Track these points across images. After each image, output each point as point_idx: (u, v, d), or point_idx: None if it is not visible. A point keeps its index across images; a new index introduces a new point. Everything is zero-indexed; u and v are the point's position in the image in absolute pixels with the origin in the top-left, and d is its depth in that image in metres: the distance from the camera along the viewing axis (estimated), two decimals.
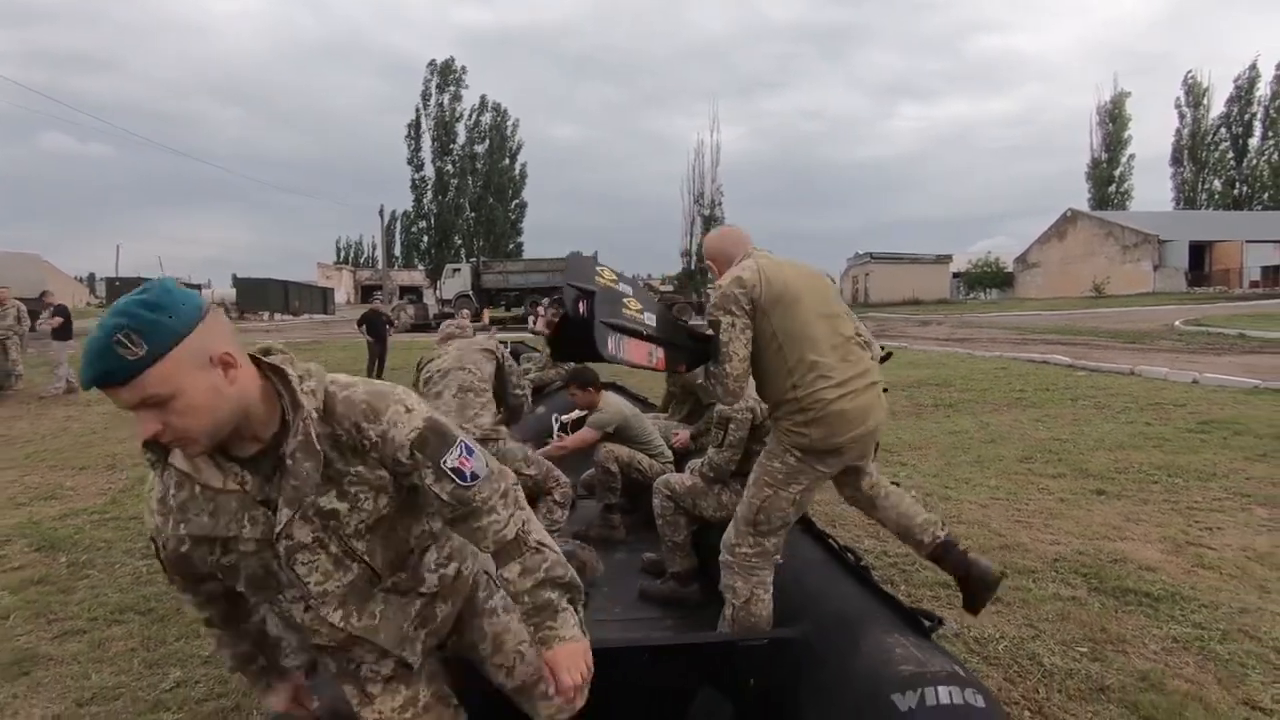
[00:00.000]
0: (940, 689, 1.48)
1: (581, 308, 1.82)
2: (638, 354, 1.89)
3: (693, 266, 39.40)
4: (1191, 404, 7.39)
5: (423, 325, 27.18)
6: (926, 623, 1.86)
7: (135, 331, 0.95)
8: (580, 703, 1.31)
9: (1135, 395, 8.07)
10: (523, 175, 47.04)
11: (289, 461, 1.10)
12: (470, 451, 1.20)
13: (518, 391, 3.43)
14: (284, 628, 1.38)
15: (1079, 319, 22.00)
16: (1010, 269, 45.88)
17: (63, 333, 10.26)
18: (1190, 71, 50.31)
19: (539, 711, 1.43)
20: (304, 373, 1.16)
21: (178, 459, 1.12)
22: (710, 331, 1.99)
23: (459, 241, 43.50)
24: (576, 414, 4.21)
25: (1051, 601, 2.95)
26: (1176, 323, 18.14)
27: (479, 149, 44.60)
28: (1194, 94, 48.83)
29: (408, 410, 1.17)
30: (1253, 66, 47.05)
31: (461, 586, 1.38)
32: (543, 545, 1.25)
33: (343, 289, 57.57)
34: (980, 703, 1.49)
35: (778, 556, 2.10)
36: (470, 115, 44.21)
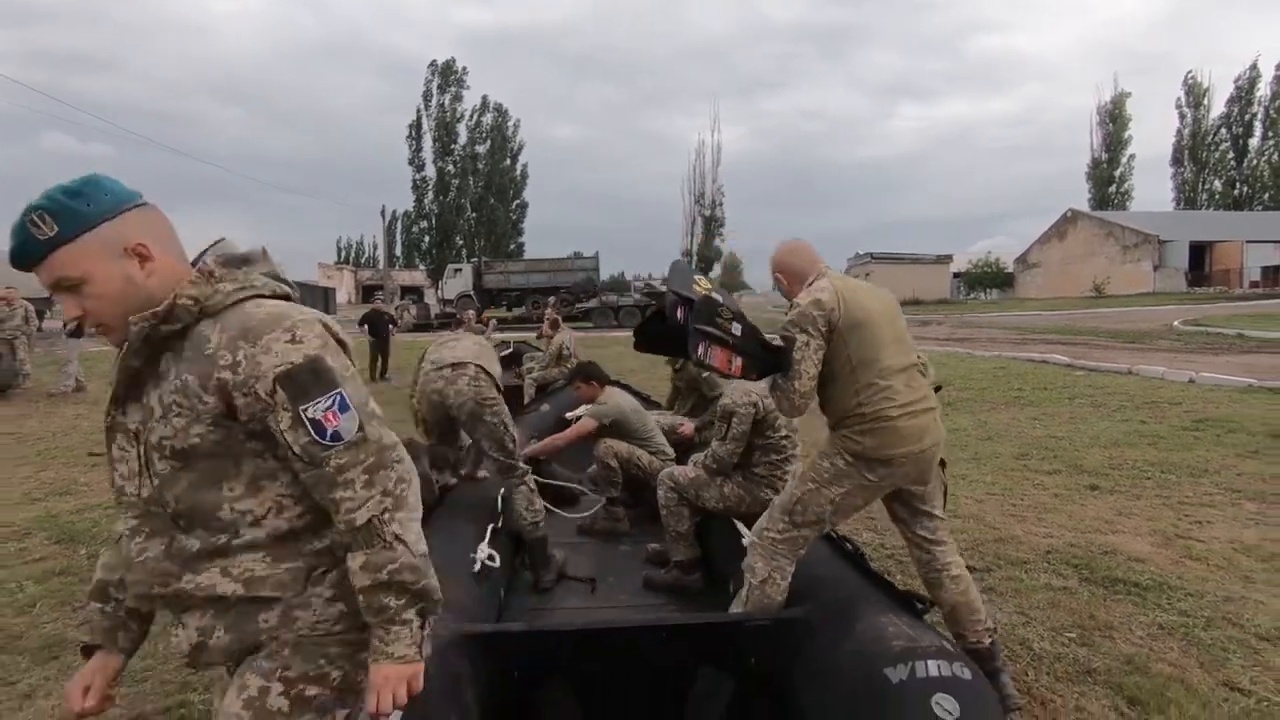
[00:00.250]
0: (930, 662, 1.58)
1: (680, 314, 1.95)
2: (721, 360, 1.98)
3: (693, 267, 39.44)
4: (1187, 402, 7.49)
5: (424, 325, 27.27)
6: (919, 605, 1.96)
7: (49, 213, 0.98)
8: None
9: (1132, 394, 8.17)
10: (524, 175, 47.17)
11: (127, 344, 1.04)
12: (346, 408, 1.03)
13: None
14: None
15: (1079, 319, 22.09)
16: (1010, 269, 45.96)
17: (75, 330, 10.33)
18: (1190, 71, 50.45)
19: None
20: (235, 279, 1.07)
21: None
22: (780, 344, 2.09)
23: (460, 242, 43.60)
24: (583, 409, 4.31)
25: (1043, 591, 3.04)
26: (1176, 323, 18.23)
27: (480, 149, 44.72)
28: (1194, 94, 48.91)
29: (293, 341, 1.02)
30: (1253, 67, 47.19)
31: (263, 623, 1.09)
32: (399, 541, 1.05)
33: (344, 289, 57.66)
34: (966, 675, 1.59)
35: (801, 551, 2.15)
36: (471, 116, 44.35)
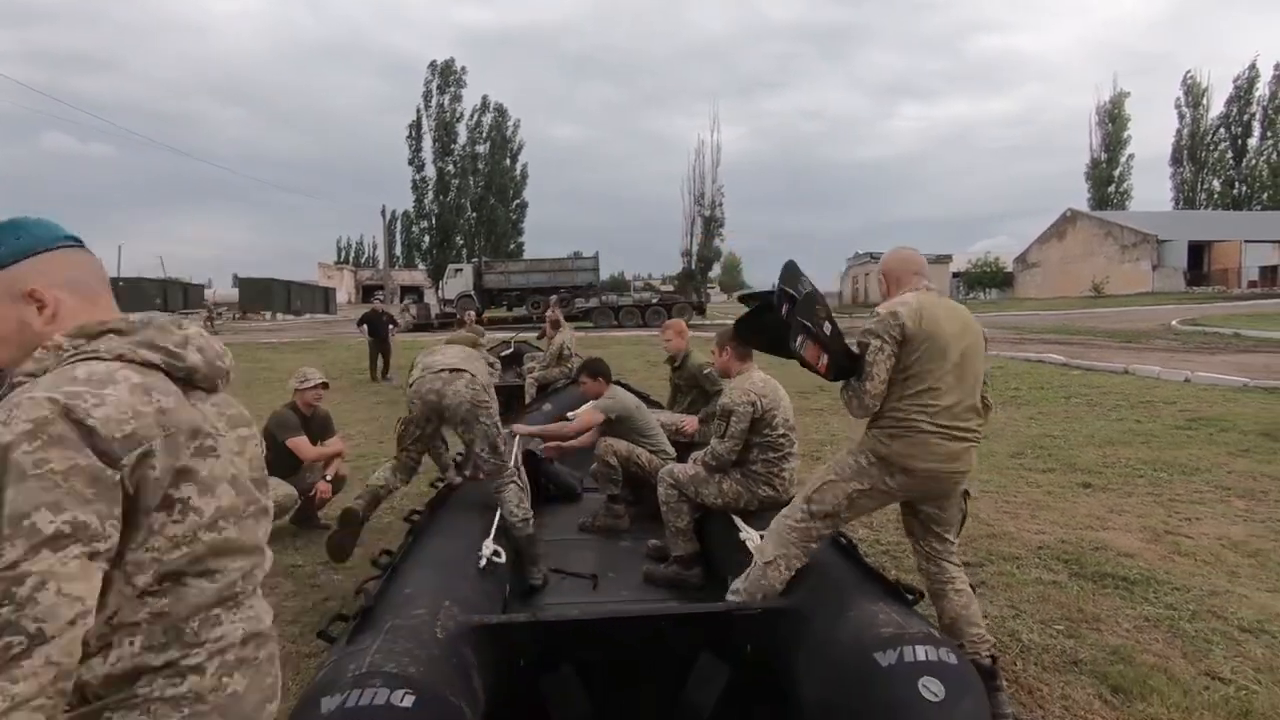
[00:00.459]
0: (917, 648, 1.66)
1: (784, 308, 2.10)
2: (812, 353, 2.11)
3: (692, 266, 39.50)
4: (1181, 402, 7.57)
5: (424, 325, 27.34)
6: (909, 595, 2.04)
7: None
8: None
9: (1127, 393, 8.25)
10: (524, 175, 47.18)
11: None
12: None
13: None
14: None
15: (1077, 319, 22.16)
16: (1010, 269, 46.03)
17: None
18: (1189, 71, 50.49)
19: None
20: (89, 348, 0.94)
21: None
22: (857, 350, 2.18)
23: (460, 242, 43.61)
24: (590, 404, 4.38)
25: (1033, 585, 3.12)
26: (1173, 322, 18.32)
27: (480, 149, 44.76)
28: (1193, 94, 48.97)
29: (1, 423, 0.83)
30: (1252, 66, 47.22)
31: None
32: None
33: (344, 289, 57.77)
34: (952, 659, 1.67)
35: (814, 546, 2.23)
36: (472, 116, 44.38)
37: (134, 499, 0.88)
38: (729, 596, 2.27)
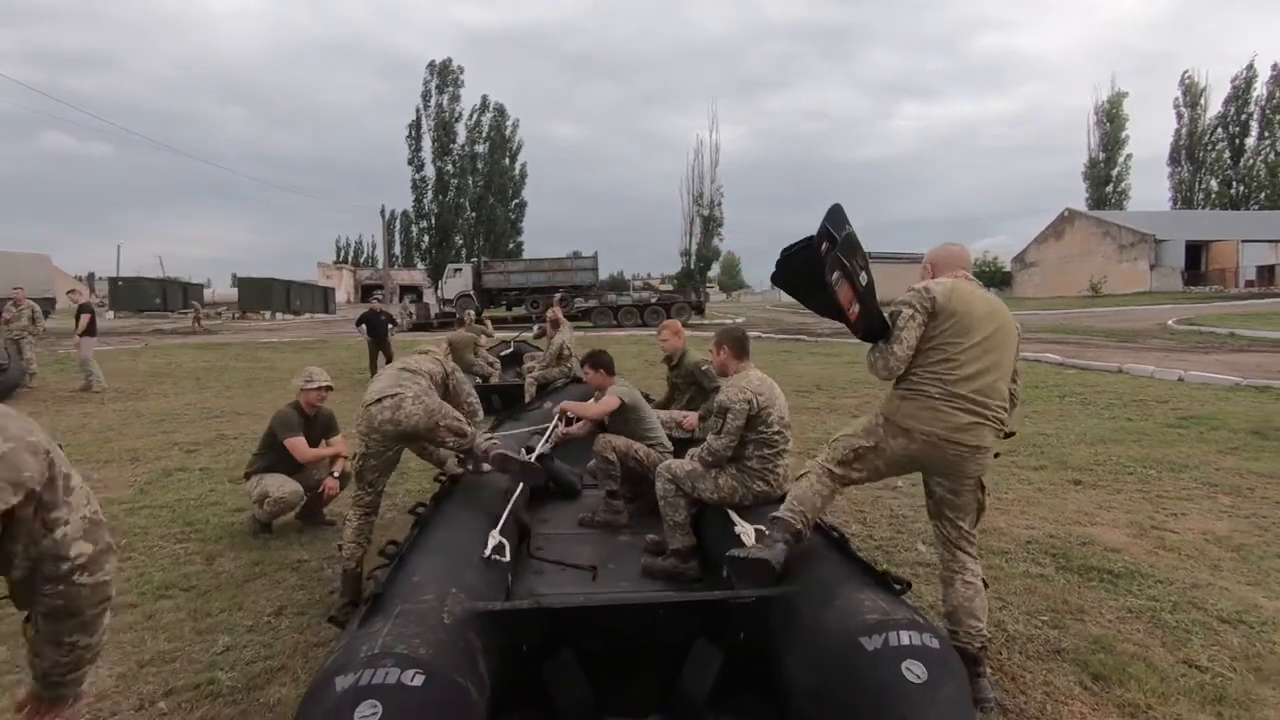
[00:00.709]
0: (902, 633, 1.75)
1: (825, 248, 2.14)
2: (846, 297, 2.16)
3: (692, 266, 39.58)
4: (1174, 400, 7.66)
5: (424, 325, 27.40)
6: (896, 586, 2.12)
7: None
8: None
9: (1120, 392, 8.34)
10: (523, 175, 47.21)
11: None
12: None
13: (471, 400, 3.59)
14: None
15: (1075, 318, 22.27)
16: (1008, 268, 46.14)
17: (90, 330, 10.46)
18: (1187, 71, 50.43)
19: None
20: None
21: None
22: (890, 319, 2.29)
23: (459, 241, 43.66)
24: (577, 425, 4.45)
25: (1021, 578, 3.21)
26: (1170, 322, 18.42)
27: (479, 149, 44.80)
28: (1191, 94, 49.08)
29: None
30: (1249, 67, 47.33)
31: None
32: None
33: (343, 289, 57.80)
34: (935, 644, 1.75)
35: (838, 486, 2.42)
36: (471, 115, 44.42)
37: None
38: (781, 512, 2.40)
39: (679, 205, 40.71)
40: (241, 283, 39.64)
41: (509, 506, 2.96)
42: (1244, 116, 47.76)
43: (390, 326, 11.60)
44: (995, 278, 46.47)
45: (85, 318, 10.28)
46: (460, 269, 31.81)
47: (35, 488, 1.15)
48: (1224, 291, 33.24)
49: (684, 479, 3.07)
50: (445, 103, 43.25)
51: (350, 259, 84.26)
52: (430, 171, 42.96)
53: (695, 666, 2.05)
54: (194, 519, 4.33)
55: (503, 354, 10.97)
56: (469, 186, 43.74)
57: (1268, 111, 46.62)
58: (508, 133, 46.10)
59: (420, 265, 46.47)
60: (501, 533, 2.62)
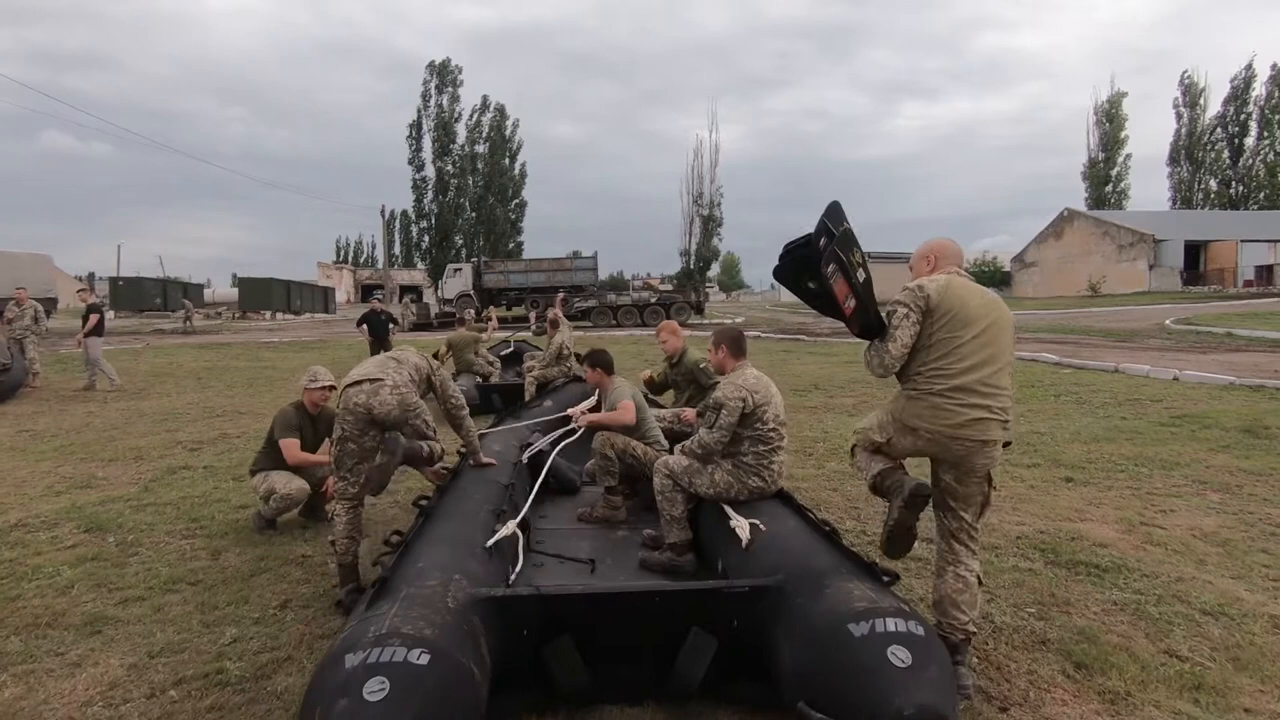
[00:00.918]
0: (888, 619, 1.82)
1: (823, 242, 2.18)
2: (841, 290, 2.19)
3: (691, 266, 39.66)
4: (1168, 399, 7.73)
5: (424, 324, 27.47)
6: (885, 577, 2.20)
7: None
8: None
9: (1115, 391, 8.41)
10: (522, 175, 47.35)
11: None
12: None
13: (457, 398, 3.57)
14: None
15: (1073, 318, 22.34)
16: (1008, 268, 46.22)
17: (98, 329, 10.55)
18: (1186, 71, 50.55)
19: None
20: None
21: None
22: (885, 317, 2.34)
23: (459, 241, 43.76)
24: (586, 404, 4.54)
25: (1010, 572, 3.28)
26: (1167, 322, 18.50)
27: (479, 149, 44.91)
28: (1191, 94, 49.20)
29: None
30: (1248, 67, 47.44)
31: None
32: None
33: (343, 288, 57.89)
34: (920, 631, 1.83)
35: (878, 462, 2.46)
36: (471, 115, 44.54)
37: None
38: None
39: (679, 205, 40.80)
40: (242, 283, 39.72)
41: (525, 508, 3.03)
42: (1243, 116, 47.88)
43: (391, 326, 11.67)
44: (995, 278, 46.53)
45: (94, 318, 10.37)
46: (460, 269, 31.87)
47: None
48: (1223, 291, 33.32)
49: (681, 474, 3.14)
50: (445, 103, 43.38)
51: (350, 259, 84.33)
52: (430, 172, 43.08)
53: (690, 653, 2.12)
54: (199, 515, 4.40)
55: (503, 353, 11.05)
56: (469, 186, 43.84)
57: (1267, 111, 46.71)
58: (508, 133, 46.21)
59: (420, 265, 46.56)
60: (506, 525, 2.69)
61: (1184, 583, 3.12)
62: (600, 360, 4.27)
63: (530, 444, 4.27)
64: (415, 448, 3.32)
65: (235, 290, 40.88)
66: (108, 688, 2.43)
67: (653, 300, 28.33)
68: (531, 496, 3.18)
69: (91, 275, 59.39)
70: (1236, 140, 48.28)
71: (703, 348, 4.34)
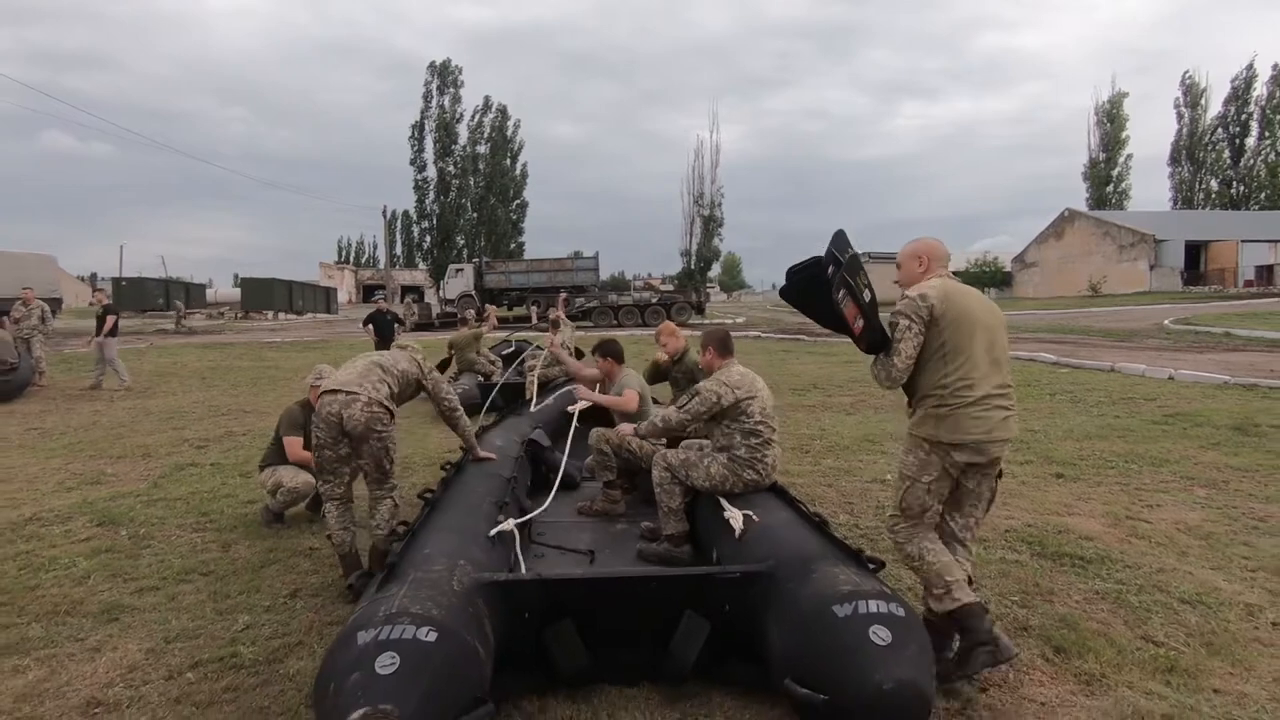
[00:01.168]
0: (870, 601, 1.92)
1: (831, 270, 2.25)
2: (850, 313, 2.27)
3: (692, 266, 39.78)
4: (1162, 398, 7.82)
5: (426, 324, 27.58)
6: (870, 565, 2.30)
7: None
8: None
9: (1110, 390, 8.50)
10: (524, 175, 47.50)
11: None
12: None
13: (450, 398, 3.58)
14: None
15: (1073, 318, 22.41)
16: (1009, 268, 46.27)
17: (114, 330, 10.69)
18: (1188, 72, 50.77)
19: None
20: None
21: None
22: (888, 329, 2.37)
23: (461, 241, 43.91)
24: (585, 404, 4.63)
25: (997, 564, 3.37)
26: (1166, 321, 18.57)
27: (481, 150, 45.05)
28: (1192, 94, 49.26)
29: None
30: (1249, 67, 47.50)
31: None
32: None
33: (344, 288, 58.08)
34: (900, 612, 1.93)
35: (930, 531, 2.40)
36: (473, 116, 44.69)
37: None
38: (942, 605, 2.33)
39: (679, 205, 40.92)
40: (244, 283, 39.87)
41: (511, 492, 3.13)
42: (1244, 116, 47.93)
43: (397, 326, 11.80)
44: (995, 278, 46.59)
45: (111, 319, 10.54)
46: (462, 269, 32.00)
47: None
48: (1223, 291, 33.37)
49: (679, 467, 3.25)
50: (447, 104, 43.52)
51: (352, 259, 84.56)
52: (432, 172, 43.22)
53: (684, 636, 2.22)
54: (208, 510, 4.51)
55: (504, 352, 11.16)
56: (470, 187, 43.97)
57: (1268, 111, 46.75)
58: (509, 133, 46.35)
59: (422, 265, 46.71)
60: (505, 516, 2.80)
61: (1165, 573, 3.22)
62: (611, 350, 4.43)
63: (534, 440, 4.38)
64: None
65: (237, 290, 41.02)
66: (127, 670, 2.54)
67: (654, 300, 28.43)
68: (546, 505, 3.21)
69: (94, 275, 59.64)
70: (1237, 140, 48.33)
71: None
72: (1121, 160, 48.20)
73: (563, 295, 17.76)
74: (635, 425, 3.69)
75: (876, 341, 2.38)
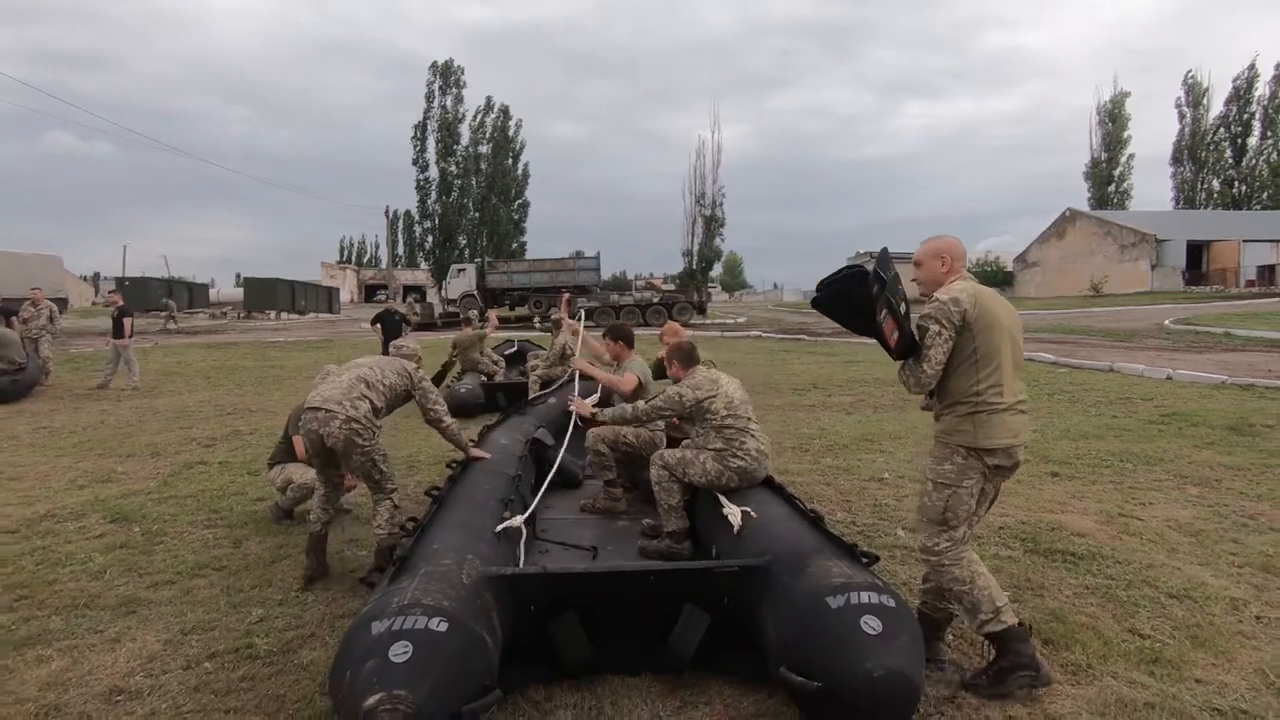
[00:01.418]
0: (863, 593, 2.01)
1: (875, 289, 2.29)
2: (889, 328, 2.29)
3: (694, 266, 39.87)
4: (1159, 398, 7.89)
5: (428, 324, 27.65)
6: (864, 559, 2.38)
7: None
8: None
9: (1108, 390, 8.57)
10: (525, 175, 47.59)
11: None
12: None
13: (437, 407, 3.62)
14: None
15: (1074, 318, 22.46)
16: (1010, 268, 46.30)
17: (119, 331, 10.81)
18: (1190, 71, 50.73)
19: None
20: None
21: None
22: (917, 333, 2.35)
23: (463, 241, 44.03)
24: (590, 400, 4.72)
25: (989, 560, 3.44)
26: (1167, 322, 18.62)
27: (483, 149, 45.15)
28: (1194, 94, 49.21)
29: None
30: (1251, 66, 47.44)
31: None
32: None
33: (346, 288, 58.19)
34: (891, 603, 2.01)
35: (967, 544, 2.37)
36: (475, 116, 44.79)
37: None
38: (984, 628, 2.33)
39: (681, 205, 41.03)
40: (247, 282, 40.00)
41: (534, 503, 3.21)
42: (1246, 116, 47.87)
43: (404, 327, 11.88)
44: (997, 277, 46.60)
45: (128, 321, 10.71)
46: (464, 269, 32.10)
47: None
48: (1225, 291, 33.39)
49: (675, 465, 3.35)
50: (449, 104, 43.62)
51: (354, 259, 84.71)
52: (434, 172, 43.32)
53: (684, 628, 2.31)
54: (219, 507, 4.60)
55: (507, 353, 11.26)
56: (472, 187, 44.07)
57: (1270, 111, 46.70)
58: (511, 133, 46.44)
59: (424, 265, 46.83)
60: (510, 512, 2.89)
61: (1154, 569, 3.30)
62: (621, 334, 4.59)
63: (537, 439, 4.46)
64: None
65: (240, 290, 41.15)
66: (147, 660, 2.63)
67: (655, 300, 28.51)
68: (539, 495, 3.36)
69: (97, 275, 59.79)
70: (1239, 140, 48.27)
71: (706, 346, 4.55)
72: (1123, 160, 48.22)
73: (565, 296, 17.82)
74: (600, 409, 3.89)
75: (907, 348, 2.37)
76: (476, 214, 44.55)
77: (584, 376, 4.61)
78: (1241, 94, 47.72)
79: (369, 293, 60.10)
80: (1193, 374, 9.28)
